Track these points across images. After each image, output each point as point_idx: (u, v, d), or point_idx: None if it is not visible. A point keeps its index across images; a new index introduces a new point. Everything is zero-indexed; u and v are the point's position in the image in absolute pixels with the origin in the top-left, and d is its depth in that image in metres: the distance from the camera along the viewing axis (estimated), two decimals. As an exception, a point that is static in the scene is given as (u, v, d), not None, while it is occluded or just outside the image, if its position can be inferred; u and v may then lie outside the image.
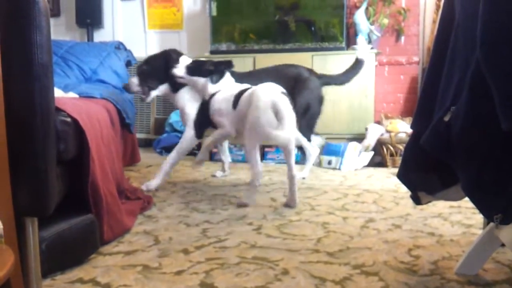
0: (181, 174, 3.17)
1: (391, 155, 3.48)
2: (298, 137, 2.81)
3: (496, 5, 0.89)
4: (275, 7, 4.09)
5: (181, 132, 3.39)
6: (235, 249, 1.63)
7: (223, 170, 3.09)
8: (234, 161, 3.61)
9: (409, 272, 1.40)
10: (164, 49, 2.88)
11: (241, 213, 2.13)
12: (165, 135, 4.19)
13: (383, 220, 2.00)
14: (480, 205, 1.07)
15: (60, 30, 4.85)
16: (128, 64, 3.68)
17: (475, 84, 0.97)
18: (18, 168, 1.09)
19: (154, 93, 2.80)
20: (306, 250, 1.61)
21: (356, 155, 3.43)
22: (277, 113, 2.15)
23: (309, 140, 2.97)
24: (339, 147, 3.45)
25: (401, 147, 3.36)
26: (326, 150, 3.54)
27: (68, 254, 1.46)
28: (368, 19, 3.89)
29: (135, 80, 2.79)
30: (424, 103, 1.24)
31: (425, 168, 1.24)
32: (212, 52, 4.05)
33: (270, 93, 2.20)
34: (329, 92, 3.73)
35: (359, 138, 3.61)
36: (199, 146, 4.04)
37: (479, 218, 1.90)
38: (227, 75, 2.61)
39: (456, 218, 2.00)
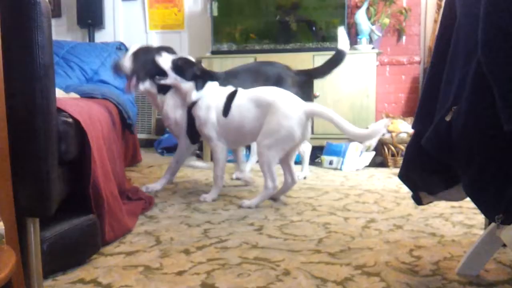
0: (183, 174, 3.17)
1: (393, 155, 3.47)
2: None
3: (497, 5, 0.89)
4: (276, 7, 4.08)
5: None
6: (237, 249, 1.63)
7: (240, 170, 2.96)
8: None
9: (411, 273, 1.40)
10: (162, 45, 2.80)
11: (242, 213, 2.13)
12: (166, 135, 4.20)
13: (384, 220, 2.00)
14: (482, 206, 1.07)
15: (62, 31, 4.85)
16: (129, 64, 3.67)
17: (477, 84, 0.97)
18: (19, 169, 1.09)
19: (140, 86, 2.58)
20: (308, 250, 1.61)
21: (358, 155, 3.43)
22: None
23: None
24: (340, 147, 3.45)
25: (403, 147, 3.36)
26: (328, 150, 3.54)
27: (69, 254, 1.46)
28: (369, 19, 3.89)
29: (128, 63, 2.55)
30: (425, 103, 1.24)
31: (427, 168, 1.24)
32: (213, 52, 4.05)
33: (300, 102, 2.22)
34: (330, 92, 3.75)
35: (360, 138, 3.60)
36: (199, 146, 4.06)
37: (480, 218, 1.90)
38: (210, 83, 2.47)
39: (458, 219, 2.00)
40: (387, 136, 3.48)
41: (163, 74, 2.48)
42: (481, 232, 1.60)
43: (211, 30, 4.16)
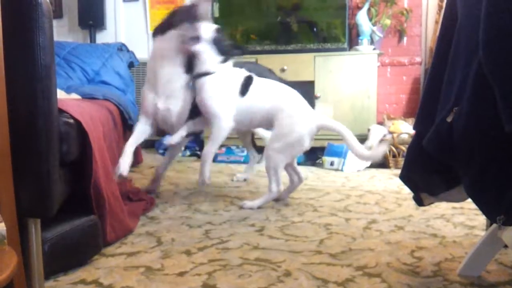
0: (184, 175, 3.17)
1: (394, 156, 3.47)
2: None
3: (497, 6, 0.89)
4: (277, 8, 4.09)
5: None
6: (238, 250, 1.63)
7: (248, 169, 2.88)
8: (237, 162, 3.61)
9: (412, 274, 1.40)
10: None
11: (243, 214, 2.13)
12: (167, 136, 4.20)
13: (385, 221, 2.00)
14: (483, 207, 1.07)
15: (63, 32, 4.86)
16: (130, 65, 3.68)
17: (478, 85, 0.97)
18: (21, 169, 1.09)
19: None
20: (309, 251, 1.61)
21: (359, 156, 3.42)
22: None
23: None
24: (341, 148, 3.44)
25: (404, 148, 3.36)
26: (329, 151, 3.54)
27: (71, 255, 1.46)
28: (370, 19, 3.89)
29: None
30: (426, 104, 1.24)
31: (428, 169, 1.24)
32: (214, 53, 4.05)
33: (314, 113, 2.28)
34: (331, 93, 3.75)
35: (362, 139, 3.60)
36: (201, 147, 4.06)
37: (481, 219, 1.90)
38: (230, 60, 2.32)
39: (459, 220, 2.00)
40: (388, 137, 3.48)
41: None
42: (483, 233, 1.60)
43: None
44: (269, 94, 2.26)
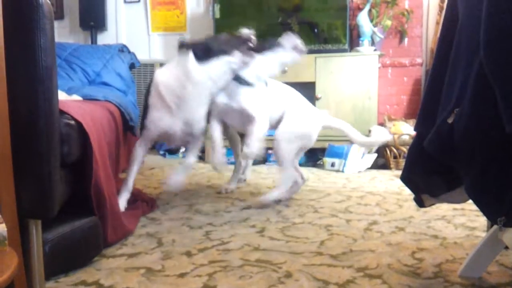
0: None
1: (395, 157, 3.47)
2: None
3: (498, 6, 0.89)
4: (278, 9, 4.09)
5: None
6: (238, 251, 1.63)
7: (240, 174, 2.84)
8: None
9: (413, 275, 1.40)
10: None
11: (244, 215, 2.13)
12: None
13: (386, 222, 1.99)
14: (484, 208, 1.07)
15: (64, 33, 4.87)
16: (131, 66, 3.68)
17: (479, 86, 0.97)
18: (22, 170, 1.09)
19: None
20: (309, 252, 1.61)
21: (359, 157, 3.42)
22: None
23: None
24: (342, 149, 3.44)
25: (405, 149, 3.35)
26: (329, 152, 3.54)
27: (71, 256, 1.46)
28: (371, 21, 3.89)
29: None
30: (427, 105, 1.24)
31: (429, 170, 1.23)
32: (215, 54, 4.05)
33: (321, 113, 2.46)
34: (332, 94, 3.74)
35: (362, 140, 3.60)
36: (201, 148, 4.05)
37: (482, 220, 1.90)
38: None
39: (460, 221, 1.99)
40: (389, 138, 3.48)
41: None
42: (483, 234, 1.60)
43: (213, 32, 4.16)
44: (282, 96, 2.38)
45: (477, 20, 0.95)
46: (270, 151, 3.69)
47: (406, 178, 1.33)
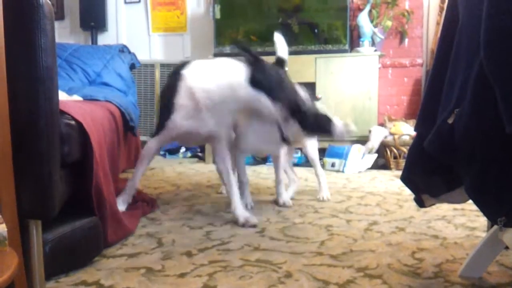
0: (185, 176, 3.17)
1: (395, 157, 3.47)
2: None
3: (498, 6, 0.89)
4: (279, 10, 4.09)
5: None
6: (239, 251, 1.63)
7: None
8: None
9: (413, 275, 1.40)
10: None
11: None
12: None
13: (386, 222, 1.99)
14: (484, 208, 1.07)
15: (65, 33, 4.87)
16: (132, 67, 3.68)
17: (479, 86, 0.97)
18: (22, 171, 1.09)
19: None
20: (310, 253, 1.61)
21: (360, 158, 3.43)
22: None
23: None
24: (342, 150, 3.45)
25: (405, 149, 3.36)
26: (330, 152, 3.54)
27: (72, 256, 1.46)
28: (372, 21, 3.89)
29: None
30: (427, 105, 1.24)
31: (429, 171, 1.23)
32: (215, 55, 4.06)
33: None
34: (333, 94, 3.75)
35: (363, 140, 3.60)
36: (202, 148, 4.06)
37: (483, 220, 1.90)
38: None
39: (460, 221, 1.99)
40: (390, 138, 3.48)
41: None
42: (484, 234, 1.60)
43: (213, 32, 4.17)
44: None
45: (477, 21, 0.95)
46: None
47: (406, 179, 1.33)
